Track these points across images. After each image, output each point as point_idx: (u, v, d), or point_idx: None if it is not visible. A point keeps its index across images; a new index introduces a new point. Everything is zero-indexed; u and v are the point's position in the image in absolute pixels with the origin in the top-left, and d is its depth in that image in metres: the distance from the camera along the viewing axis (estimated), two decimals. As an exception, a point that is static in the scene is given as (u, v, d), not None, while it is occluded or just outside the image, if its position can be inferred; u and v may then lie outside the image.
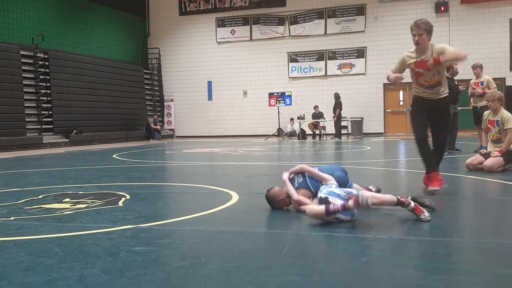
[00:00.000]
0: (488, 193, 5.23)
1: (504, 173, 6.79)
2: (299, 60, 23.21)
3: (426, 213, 3.76)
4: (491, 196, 5.10)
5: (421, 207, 3.82)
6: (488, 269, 2.72)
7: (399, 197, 3.85)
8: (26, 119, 17.50)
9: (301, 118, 21.05)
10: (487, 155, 7.13)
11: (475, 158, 7.18)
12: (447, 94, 5.23)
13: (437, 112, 5.17)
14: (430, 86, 5.13)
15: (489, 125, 7.32)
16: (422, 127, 5.21)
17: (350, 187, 4.33)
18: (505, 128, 7.04)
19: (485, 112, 7.64)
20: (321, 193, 3.95)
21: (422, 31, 4.99)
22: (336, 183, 4.16)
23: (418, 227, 3.90)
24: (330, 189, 3.97)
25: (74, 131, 19.03)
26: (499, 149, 7.01)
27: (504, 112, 7.17)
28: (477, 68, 10.50)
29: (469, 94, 10.63)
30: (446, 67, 5.24)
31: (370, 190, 4.18)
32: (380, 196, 3.88)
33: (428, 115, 5.19)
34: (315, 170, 4.36)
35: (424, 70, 5.07)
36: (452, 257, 2.98)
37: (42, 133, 18.05)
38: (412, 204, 3.80)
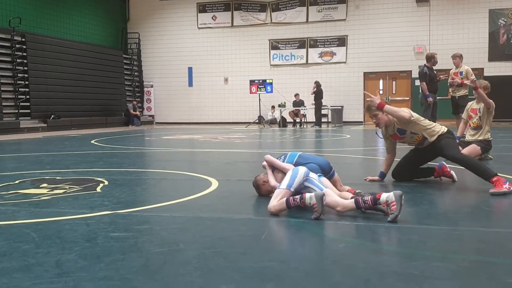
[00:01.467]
0: (464, 181, 5.30)
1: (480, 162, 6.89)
2: (281, 48, 23.17)
3: (391, 215, 3.47)
4: (467, 184, 5.18)
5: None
6: (462, 255, 2.78)
7: (360, 199, 3.63)
8: (3, 103, 17.19)
9: (282, 106, 21.07)
10: (464, 144, 7.23)
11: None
12: (435, 137, 4.98)
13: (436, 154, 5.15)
14: (418, 145, 5.16)
15: (471, 113, 7.42)
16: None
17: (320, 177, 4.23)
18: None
19: (469, 103, 7.72)
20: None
21: (374, 111, 5.04)
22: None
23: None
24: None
25: (52, 116, 18.77)
26: (477, 123, 7.20)
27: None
28: (457, 58, 10.61)
29: (448, 83, 10.74)
30: (410, 127, 5.03)
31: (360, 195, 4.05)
32: (336, 200, 3.74)
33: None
34: (277, 161, 4.37)
35: (400, 140, 5.22)
36: (428, 244, 3.03)
37: (19, 118, 17.76)
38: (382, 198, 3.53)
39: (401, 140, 5.22)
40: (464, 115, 7.66)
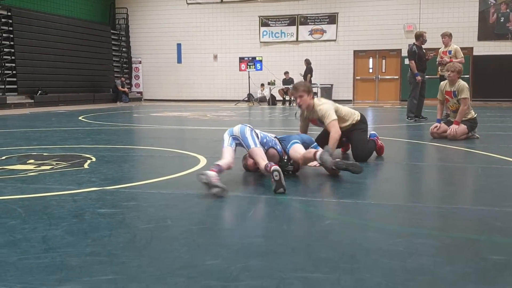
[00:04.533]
0: (450, 160, 5.36)
1: (467, 140, 6.96)
2: (271, 25, 22.98)
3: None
4: (453, 163, 5.23)
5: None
6: (446, 232, 2.81)
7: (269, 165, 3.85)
8: (-11, 79, 16.97)
9: (271, 83, 20.99)
10: (449, 123, 7.28)
11: (440, 126, 7.32)
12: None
13: None
14: None
15: (447, 96, 7.47)
16: None
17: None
18: (458, 97, 7.19)
19: (441, 83, 7.74)
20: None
21: (301, 93, 5.10)
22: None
23: (381, 192, 3.99)
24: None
25: (39, 91, 18.55)
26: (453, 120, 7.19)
27: (460, 82, 7.31)
28: (446, 37, 10.58)
29: (437, 62, 10.74)
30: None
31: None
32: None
33: None
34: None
35: (317, 125, 5.39)
36: (413, 221, 3.06)
37: (6, 93, 17.54)
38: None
39: (318, 126, 5.38)
40: (439, 96, 7.66)
